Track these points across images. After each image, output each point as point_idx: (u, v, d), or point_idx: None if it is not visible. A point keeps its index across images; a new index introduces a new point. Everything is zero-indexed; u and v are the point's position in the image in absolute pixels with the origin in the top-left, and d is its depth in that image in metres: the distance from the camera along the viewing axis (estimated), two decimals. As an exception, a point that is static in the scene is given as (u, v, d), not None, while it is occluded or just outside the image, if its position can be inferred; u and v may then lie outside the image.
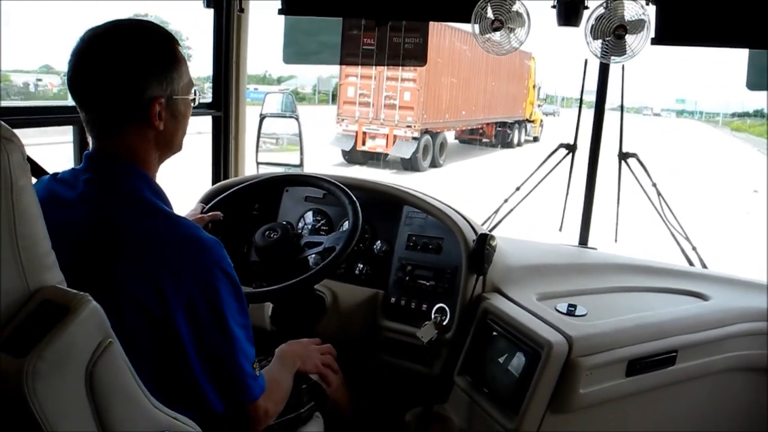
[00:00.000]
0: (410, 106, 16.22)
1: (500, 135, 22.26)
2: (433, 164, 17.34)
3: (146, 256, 1.20)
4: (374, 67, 14.51)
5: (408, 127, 16.20)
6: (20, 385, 0.82)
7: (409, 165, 16.45)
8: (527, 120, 23.61)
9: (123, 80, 1.23)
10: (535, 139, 23.74)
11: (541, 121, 25.22)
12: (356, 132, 16.53)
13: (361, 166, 16.67)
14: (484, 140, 22.21)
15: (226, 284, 1.25)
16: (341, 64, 2.96)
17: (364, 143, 16.56)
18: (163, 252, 1.21)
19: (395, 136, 16.27)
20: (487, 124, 21.56)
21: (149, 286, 1.18)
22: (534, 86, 23.42)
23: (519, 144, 22.81)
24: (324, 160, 15.26)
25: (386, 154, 16.66)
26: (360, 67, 14.91)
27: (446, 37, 16.23)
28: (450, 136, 18.87)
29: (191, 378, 1.24)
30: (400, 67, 14.92)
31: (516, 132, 22.98)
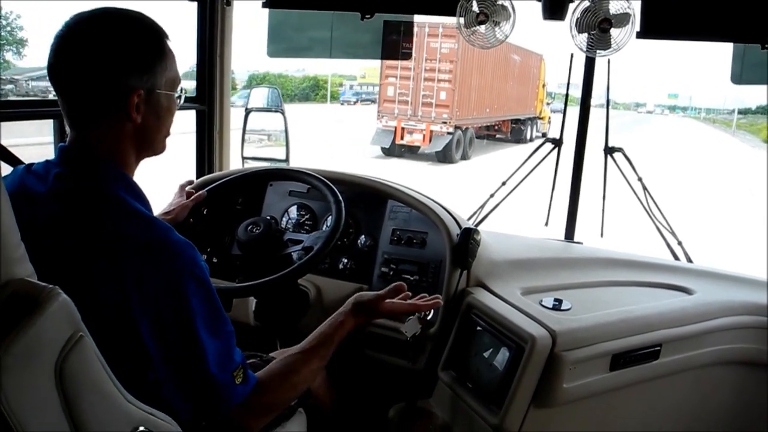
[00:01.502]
0: (446, 104, 18.17)
1: (515, 131, 24.31)
2: (464, 157, 19.27)
3: (111, 257, 1.15)
4: (412, 68, 17.83)
5: (443, 123, 18.11)
6: None
7: (443, 157, 18.29)
8: (537, 117, 25.33)
9: (100, 66, 1.19)
10: (544, 135, 24.46)
11: (549, 117, 26.60)
12: (395, 127, 18.30)
13: (398, 158, 18.56)
14: (498, 136, 24.11)
15: (196, 290, 1.19)
16: (329, 57, 2.92)
17: (402, 137, 18.37)
18: (130, 256, 1.15)
19: (431, 131, 18.14)
20: (503, 120, 23.47)
21: (114, 290, 1.14)
22: (543, 85, 25.28)
23: (531, 139, 24.20)
24: (363, 153, 18.10)
25: (418, 147, 18.66)
26: (400, 68, 17.96)
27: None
28: (468, 132, 20.87)
29: (157, 383, 1.20)
30: (437, 69, 17.93)
31: (528, 128, 24.85)
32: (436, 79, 18.10)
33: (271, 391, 1.36)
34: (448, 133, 18.12)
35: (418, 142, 18.37)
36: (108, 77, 1.20)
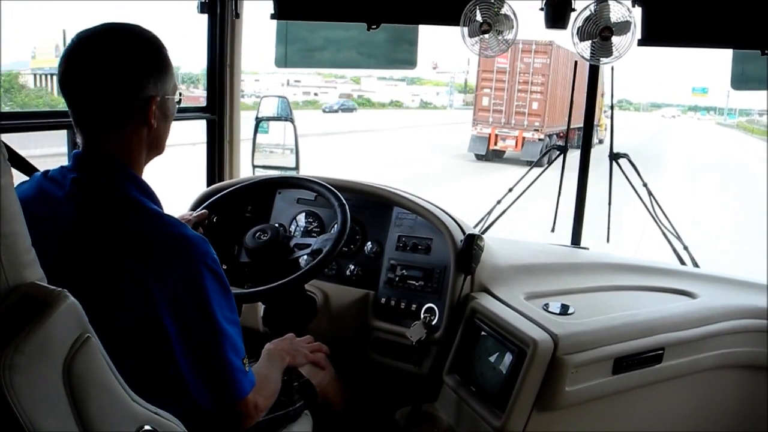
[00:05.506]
0: (538, 113, 20.30)
1: (580, 137, 25.37)
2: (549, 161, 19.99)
3: (131, 254, 1.22)
4: (506, 81, 20.22)
5: (535, 130, 20.23)
6: None
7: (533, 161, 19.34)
8: (597, 125, 26.00)
9: (121, 79, 1.27)
10: (600, 141, 24.83)
11: (605, 125, 26.57)
12: (489, 134, 20.49)
13: (489, 162, 20.40)
14: (559, 142, 24.84)
15: (212, 280, 1.26)
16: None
17: (495, 143, 20.64)
18: (148, 250, 1.23)
19: (524, 138, 20.19)
20: (572, 128, 24.45)
21: (134, 285, 1.20)
22: (602, 95, 25.94)
23: (592, 145, 24.75)
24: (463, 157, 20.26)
25: (503, 152, 20.87)
26: (495, 81, 20.39)
27: (561, 56, 20.53)
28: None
29: (177, 375, 1.25)
30: (530, 82, 20.13)
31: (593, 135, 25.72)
32: (528, 91, 20.20)
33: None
34: (539, 140, 20.06)
35: (511, 147, 20.49)
36: (129, 88, 1.28)
